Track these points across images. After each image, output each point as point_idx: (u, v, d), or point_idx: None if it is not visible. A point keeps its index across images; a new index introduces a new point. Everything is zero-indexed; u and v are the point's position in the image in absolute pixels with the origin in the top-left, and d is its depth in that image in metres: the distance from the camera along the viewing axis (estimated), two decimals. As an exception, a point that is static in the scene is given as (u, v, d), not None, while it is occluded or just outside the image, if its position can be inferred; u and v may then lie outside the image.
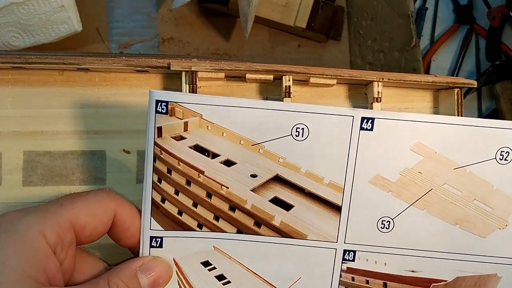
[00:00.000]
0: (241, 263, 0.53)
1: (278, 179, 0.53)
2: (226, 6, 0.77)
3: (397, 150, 0.52)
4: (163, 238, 0.52)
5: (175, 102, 0.50)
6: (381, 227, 0.53)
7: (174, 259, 0.53)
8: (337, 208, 0.53)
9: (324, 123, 0.51)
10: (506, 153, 0.53)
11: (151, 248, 0.52)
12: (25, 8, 0.66)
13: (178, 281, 0.53)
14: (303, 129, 0.51)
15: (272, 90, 0.59)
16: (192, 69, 0.55)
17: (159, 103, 0.50)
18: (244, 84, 0.59)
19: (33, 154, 0.57)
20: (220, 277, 0.53)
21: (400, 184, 0.53)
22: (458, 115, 0.58)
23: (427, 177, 0.53)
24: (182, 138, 0.51)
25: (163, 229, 0.52)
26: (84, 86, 0.57)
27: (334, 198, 0.53)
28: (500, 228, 0.54)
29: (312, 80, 0.57)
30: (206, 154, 0.52)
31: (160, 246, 0.52)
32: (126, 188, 0.57)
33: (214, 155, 0.52)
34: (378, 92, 0.57)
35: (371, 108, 0.58)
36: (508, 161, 0.53)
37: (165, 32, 0.80)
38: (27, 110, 0.57)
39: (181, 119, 0.50)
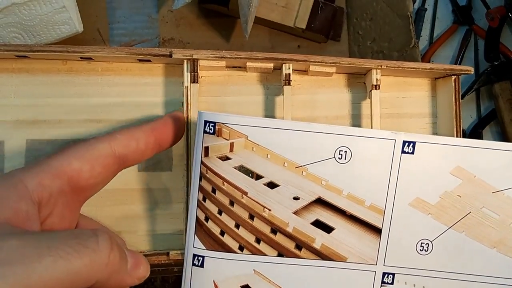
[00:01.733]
0: (281, 287, 0.53)
1: (320, 202, 0.53)
2: (226, 7, 0.78)
3: (437, 173, 0.53)
4: (205, 257, 0.52)
5: (222, 123, 0.51)
6: (420, 250, 0.54)
7: (214, 281, 0.53)
8: (377, 231, 0.53)
9: (366, 146, 0.52)
10: None
11: (193, 267, 0.52)
12: (27, 9, 0.67)
13: None
14: (346, 152, 0.52)
15: (272, 80, 0.60)
16: (194, 57, 0.56)
17: (207, 124, 0.51)
18: (245, 74, 0.60)
19: (36, 142, 0.57)
20: None
21: (439, 207, 0.54)
22: (455, 103, 0.59)
23: (466, 200, 0.54)
24: (227, 158, 0.52)
25: (205, 248, 0.52)
26: (87, 76, 0.58)
27: (375, 221, 0.53)
28: None
29: (312, 68, 0.57)
30: (250, 175, 0.52)
31: (202, 265, 0.52)
32: (128, 176, 0.58)
33: (258, 177, 0.52)
34: (377, 79, 0.57)
35: (370, 97, 0.58)
36: None
37: (166, 33, 0.80)
38: (30, 99, 0.57)
39: (227, 139, 0.51)
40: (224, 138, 0.51)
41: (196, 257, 0.52)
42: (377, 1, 0.84)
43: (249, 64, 0.57)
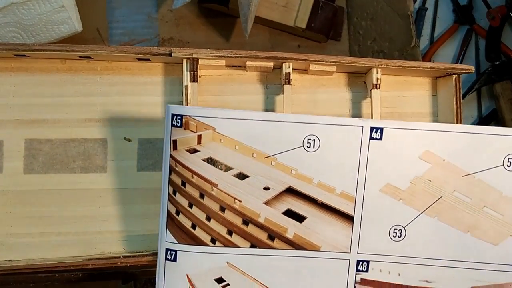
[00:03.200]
0: (255, 278, 0.53)
1: (290, 191, 0.53)
2: (226, 6, 0.78)
3: (406, 158, 0.53)
4: (177, 251, 0.52)
5: (189, 116, 0.51)
6: (393, 236, 0.53)
7: (187, 275, 0.52)
8: (349, 218, 0.53)
9: (334, 133, 0.52)
10: None
11: (166, 261, 0.52)
12: (26, 8, 0.66)
13: None
14: (314, 140, 0.52)
15: (272, 79, 0.60)
16: (194, 56, 0.55)
17: (175, 117, 0.51)
18: (245, 73, 0.59)
19: (35, 142, 0.57)
20: None
21: (410, 192, 0.53)
22: (456, 102, 0.59)
23: (436, 184, 0.53)
24: (196, 151, 0.52)
25: (177, 242, 0.52)
26: (87, 75, 0.58)
27: (346, 208, 0.53)
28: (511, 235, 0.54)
29: (312, 67, 0.57)
30: (220, 167, 0.52)
31: (175, 260, 0.52)
32: (127, 176, 0.57)
33: (227, 168, 0.52)
34: (377, 78, 0.57)
35: (370, 96, 0.58)
36: None
37: (165, 32, 0.80)
38: (29, 98, 0.57)
39: (194, 132, 0.51)
40: (191, 130, 0.51)
41: (169, 252, 0.52)
42: (377, 0, 0.84)
43: (249, 63, 0.56)
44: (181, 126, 0.51)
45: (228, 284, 0.53)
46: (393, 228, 0.54)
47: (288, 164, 0.52)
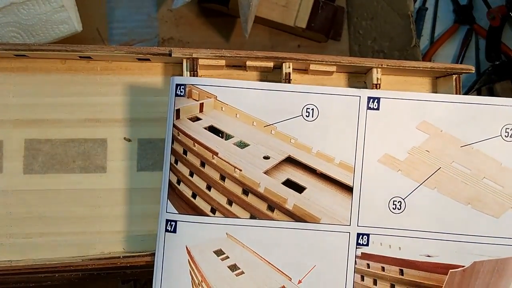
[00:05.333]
0: (254, 251, 0.53)
1: (290, 161, 0.53)
2: (226, 6, 0.78)
3: (404, 128, 0.54)
4: (177, 222, 0.52)
5: (192, 85, 0.52)
6: (393, 208, 0.53)
7: (186, 247, 0.52)
8: (348, 189, 0.53)
9: (332, 103, 0.53)
10: (511, 130, 0.53)
11: (166, 233, 0.52)
12: (25, 8, 0.66)
13: (190, 270, 0.53)
14: (312, 109, 0.53)
15: (272, 79, 0.59)
16: (193, 56, 0.55)
17: (178, 87, 0.52)
18: (245, 73, 0.59)
19: (34, 142, 0.57)
20: (233, 267, 0.53)
21: (408, 163, 0.53)
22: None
23: (435, 155, 0.53)
24: (198, 119, 0.53)
25: (177, 213, 0.52)
26: (86, 75, 0.58)
27: (345, 179, 0.53)
28: None
29: (312, 67, 0.57)
30: (220, 135, 0.53)
31: (174, 231, 0.52)
32: (127, 176, 0.57)
33: (228, 136, 0.53)
34: (377, 78, 0.57)
35: (371, 96, 0.58)
36: None
37: (165, 32, 0.80)
38: (29, 98, 0.57)
39: (197, 100, 0.52)
40: (194, 99, 0.52)
41: (169, 223, 0.52)
42: (377, 0, 0.84)
43: (249, 63, 0.56)
44: (184, 95, 0.52)
45: (227, 257, 0.53)
46: (392, 200, 0.54)
47: (288, 133, 0.53)
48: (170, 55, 0.55)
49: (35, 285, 0.61)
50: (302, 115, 0.53)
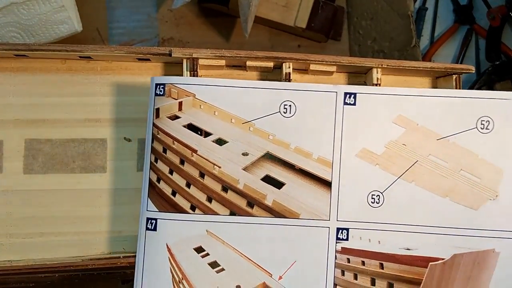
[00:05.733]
0: (234, 247, 0.53)
1: (269, 157, 0.54)
2: (226, 6, 0.78)
3: (380, 123, 0.54)
4: (158, 220, 0.52)
5: (171, 84, 0.53)
6: (372, 202, 0.54)
7: (167, 245, 0.53)
8: (327, 184, 0.54)
9: (309, 99, 0.54)
10: (486, 122, 0.54)
11: (146, 231, 0.53)
12: (25, 8, 0.66)
13: (170, 268, 0.53)
14: (290, 106, 0.53)
15: (272, 79, 0.59)
16: (193, 56, 0.55)
17: (158, 86, 0.53)
18: (245, 73, 0.59)
19: (34, 142, 0.57)
20: (214, 264, 0.53)
21: (386, 157, 0.54)
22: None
23: (411, 148, 0.54)
24: (177, 117, 0.53)
25: (158, 210, 0.52)
26: (86, 75, 0.58)
27: (324, 174, 0.54)
28: (491, 199, 0.54)
29: (312, 67, 0.57)
30: (199, 133, 0.53)
31: (155, 229, 0.52)
32: (127, 176, 0.57)
33: (207, 134, 0.53)
34: (377, 78, 0.57)
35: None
36: (489, 130, 0.54)
37: (165, 32, 0.80)
38: (29, 98, 0.57)
39: (176, 99, 0.53)
40: (173, 98, 0.53)
41: (149, 221, 0.53)
42: (377, 0, 0.84)
43: (249, 63, 0.56)
44: (163, 95, 0.53)
45: (207, 254, 0.53)
46: (371, 194, 0.54)
47: (266, 129, 0.54)
48: (170, 55, 0.55)
49: (35, 285, 0.61)
50: (279, 111, 0.53)
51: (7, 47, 0.54)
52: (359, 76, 0.60)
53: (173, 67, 0.58)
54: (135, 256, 0.55)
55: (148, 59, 0.57)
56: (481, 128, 0.54)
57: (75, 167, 0.57)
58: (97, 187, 0.57)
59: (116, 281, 0.72)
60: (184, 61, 0.55)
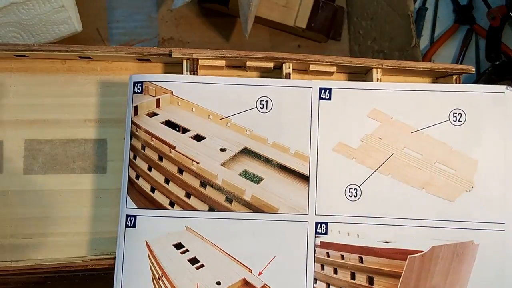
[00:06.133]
0: (214, 243, 0.53)
1: (246, 152, 0.54)
2: (226, 6, 0.78)
3: (355, 117, 0.55)
4: (137, 217, 0.53)
5: (148, 81, 0.53)
6: (349, 196, 0.54)
7: (146, 241, 0.53)
8: (305, 178, 0.54)
9: (285, 94, 0.54)
10: (458, 114, 0.54)
11: (126, 228, 0.53)
12: (25, 8, 0.66)
13: (150, 265, 0.53)
14: (266, 101, 0.54)
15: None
16: (193, 56, 0.55)
17: (136, 84, 0.53)
18: (245, 74, 0.59)
19: (34, 142, 0.57)
20: (193, 261, 0.53)
21: (362, 150, 0.54)
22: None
23: (387, 142, 0.54)
24: (155, 114, 0.54)
25: (137, 207, 0.52)
26: (86, 75, 0.58)
27: (301, 168, 0.54)
28: (467, 191, 0.54)
29: (312, 67, 0.57)
30: (177, 129, 0.54)
31: (134, 226, 0.53)
32: (127, 176, 0.57)
33: (185, 130, 0.54)
34: (378, 79, 0.57)
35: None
36: (462, 122, 0.55)
37: (165, 32, 0.80)
38: (29, 98, 0.57)
39: (154, 96, 0.53)
40: (151, 95, 0.53)
41: (129, 218, 0.53)
42: (377, 0, 0.84)
43: (249, 63, 0.56)
44: (141, 92, 0.53)
45: (187, 250, 0.53)
46: (348, 187, 0.54)
47: (243, 125, 0.54)
48: (170, 55, 0.55)
49: (35, 285, 0.61)
50: (256, 107, 0.54)
51: (7, 47, 0.54)
52: (359, 76, 0.60)
53: (173, 67, 0.58)
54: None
55: (148, 60, 0.57)
56: (454, 121, 0.55)
57: (75, 168, 0.57)
58: (97, 188, 0.57)
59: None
60: (184, 61, 0.55)
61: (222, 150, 0.53)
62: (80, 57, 0.56)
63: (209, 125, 0.54)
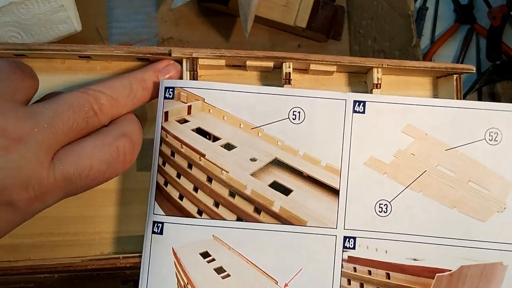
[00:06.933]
0: (240, 253, 0.53)
1: (277, 163, 0.53)
2: (226, 5, 0.78)
3: (389, 132, 0.54)
4: (164, 224, 0.52)
5: (180, 87, 0.52)
6: (379, 211, 0.53)
7: (173, 249, 0.52)
8: (335, 192, 0.53)
9: (318, 106, 0.53)
10: (494, 133, 0.54)
11: (153, 234, 0.52)
12: (25, 8, 0.66)
13: (176, 272, 0.52)
14: (299, 112, 0.53)
15: (272, 78, 0.59)
16: (193, 56, 0.55)
17: (167, 89, 0.53)
18: (245, 73, 0.59)
19: (34, 142, 0.56)
20: (219, 270, 0.53)
21: (394, 166, 0.54)
22: (458, 102, 0.59)
23: (420, 158, 0.54)
24: (185, 121, 0.53)
25: (164, 214, 0.52)
26: (86, 75, 0.58)
27: (332, 181, 0.53)
28: (499, 211, 0.54)
29: (312, 67, 0.57)
30: (208, 137, 0.53)
31: (161, 233, 0.52)
32: (126, 176, 0.57)
33: (215, 138, 0.53)
34: (378, 78, 0.57)
35: (371, 95, 0.58)
36: (497, 142, 0.54)
37: (165, 32, 0.80)
38: (28, 98, 0.57)
39: (185, 103, 0.52)
40: (182, 101, 0.53)
41: (156, 224, 0.52)
42: (378, 0, 0.84)
43: (249, 63, 0.56)
44: (172, 98, 0.53)
45: (213, 259, 0.53)
46: (378, 203, 0.54)
47: (274, 135, 0.53)
48: (169, 54, 0.55)
49: (35, 285, 0.61)
50: (288, 117, 0.53)
51: (6, 47, 0.54)
52: (360, 76, 0.60)
53: (173, 67, 0.58)
54: (134, 257, 0.54)
55: (147, 59, 0.57)
56: (490, 140, 0.54)
57: (74, 167, 0.57)
58: (97, 187, 0.57)
59: (116, 282, 0.72)
60: (184, 60, 0.55)
61: (253, 160, 0.53)
62: (80, 57, 0.56)
63: (240, 134, 0.53)
